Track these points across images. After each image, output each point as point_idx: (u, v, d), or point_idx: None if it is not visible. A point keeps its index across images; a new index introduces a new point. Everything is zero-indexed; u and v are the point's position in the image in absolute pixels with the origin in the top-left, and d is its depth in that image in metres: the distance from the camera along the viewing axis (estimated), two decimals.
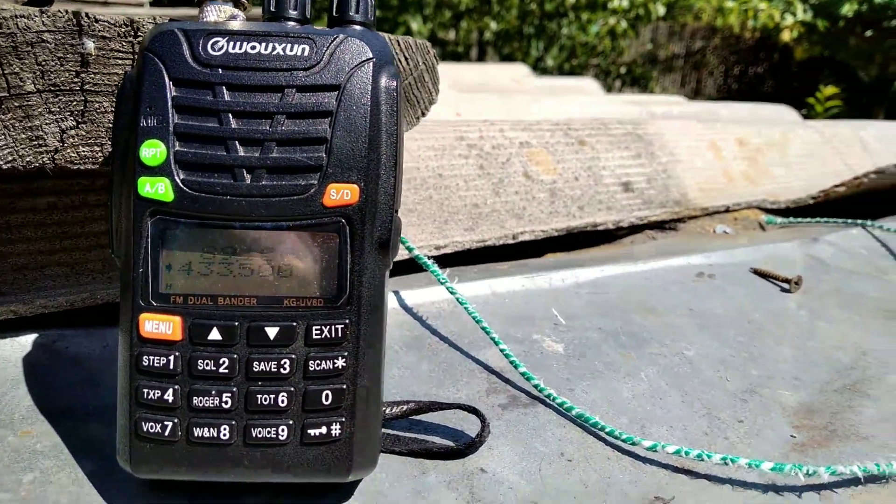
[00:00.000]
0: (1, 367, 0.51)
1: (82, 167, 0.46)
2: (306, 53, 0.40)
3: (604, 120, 1.16)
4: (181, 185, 0.38)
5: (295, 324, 0.39)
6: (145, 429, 0.39)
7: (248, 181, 0.39)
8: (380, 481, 0.44)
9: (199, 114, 0.39)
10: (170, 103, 0.39)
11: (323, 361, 0.39)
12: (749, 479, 0.48)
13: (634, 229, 1.03)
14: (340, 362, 0.40)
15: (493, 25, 6.67)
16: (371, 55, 0.40)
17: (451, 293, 0.63)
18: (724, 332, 0.69)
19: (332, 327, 0.40)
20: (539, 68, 6.70)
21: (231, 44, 0.39)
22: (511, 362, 0.57)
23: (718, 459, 0.48)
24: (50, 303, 0.53)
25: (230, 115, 0.39)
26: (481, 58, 7.58)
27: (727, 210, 1.17)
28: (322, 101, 0.39)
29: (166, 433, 0.39)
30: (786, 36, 8.25)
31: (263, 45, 0.39)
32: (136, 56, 0.46)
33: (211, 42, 0.39)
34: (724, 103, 2.39)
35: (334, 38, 0.40)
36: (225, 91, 0.39)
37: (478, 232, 0.83)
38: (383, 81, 0.41)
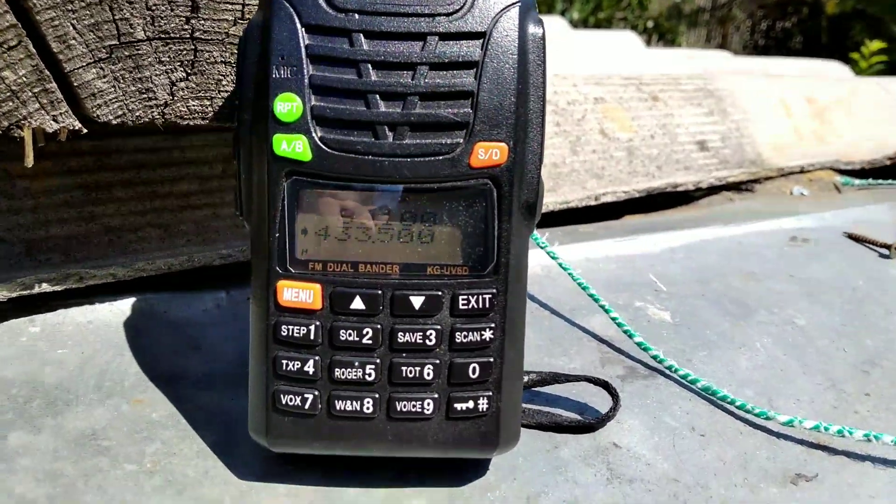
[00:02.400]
0: (104, 332, 0.49)
1: (192, 122, 0.43)
2: None
3: (673, 75, 1.11)
4: (319, 143, 0.35)
5: (440, 293, 0.37)
6: (284, 401, 0.36)
7: (391, 139, 0.36)
8: (512, 456, 0.42)
9: (336, 64, 0.35)
10: (304, 52, 0.35)
11: (469, 333, 0.37)
12: (892, 456, 0.46)
13: (712, 190, 0.99)
14: (488, 334, 0.37)
15: None
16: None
17: (553, 258, 0.60)
18: (829, 299, 0.66)
19: (479, 297, 0.37)
20: (565, 20, 6.55)
21: None
22: (625, 332, 0.54)
23: (861, 436, 0.45)
24: (149, 266, 0.51)
25: (369, 66, 0.35)
26: None
27: (802, 171, 1.12)
28: (468, 51, 0.36)
29: (306, 406, 0.36)
30: None
31: None
32: (244, 1, 0.43)
33: None
34: (771, 59, 2.31)
35: None
36: (363, 39, 0.36)
37: (560, 193, 0.80)
38: (530, 28, 0.37)
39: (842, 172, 1.15)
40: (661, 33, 7.70)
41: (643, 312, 0.60)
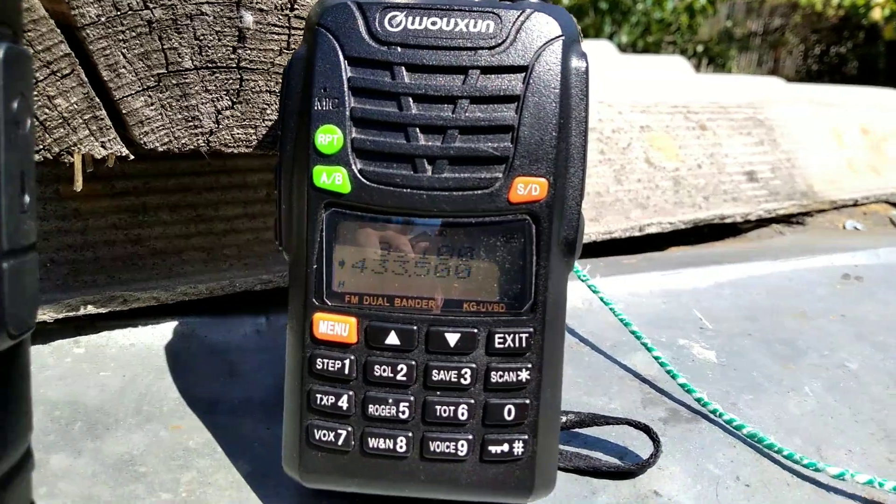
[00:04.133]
0: (145, 355, 0.49)
1: (236, 150, 0.43)
2: (491, 30, 0.36)
3: (722, 103, 1.09)
4: (358, 176, 0.35)
5: (476, 330, 0.36)
6: (317, 436, 0.36)
7: (430, 173, 0.35)
8: (548, 502, 0.41)
9: (378, 97, 0.35)
10: (346, 85, 0.35)
11: (506, 373, 0.36)
12: None
13: (761, 223, 0.96)
14: (524, 375, 0.36)
15: (566, 0, 6.51)
16: (560, 32, 0.36)
17: (594, 292, 0.59)
18: (884, 341, 0.63)
19: (516, 336, 0.36)
20: (613, 44, 6.52)
21: (410, 19, 0.36)
22: (668, 372, 0.52)
23: None
24: (191, 290, 0.51)
25: (410, 99, 0.35)
26: None
27: (855, 204, 1.09)
28: (509, 85, 0.35)
29: (339, 442, 0.36)
30: (876, 14, 7.80)
31: (445, 20, 0.36)
32: (290, 31, 0.43)
33: (388, 17, 0.36)
34: (825, 86, 2.25)
35: (521, 13, 0.36)
36: (405, 72, 0.35)
37: (603, 223, 0.79)
38: (573, 62, 0.36)
39: None
40: (711, 58, 7.60)
41: (687, 351, 0.59)
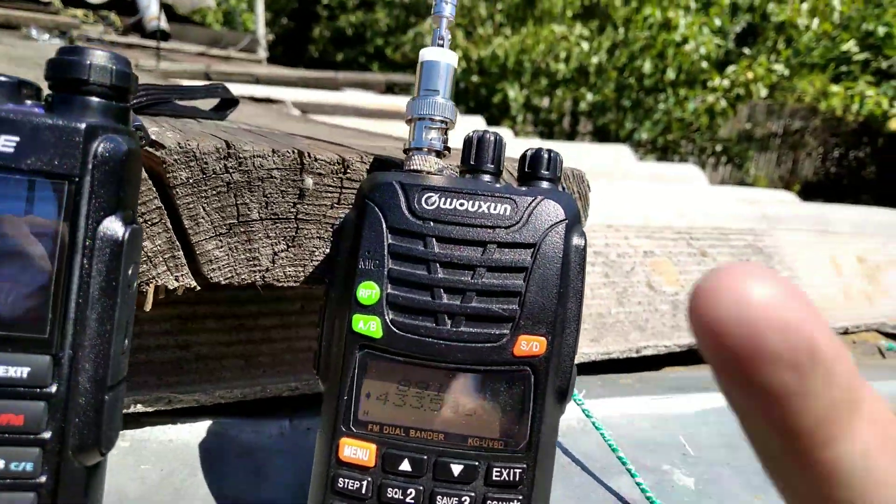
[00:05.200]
0: (182, 452, 0.56)
1: (286, 284, 0.51)
2: (508, 213, 0.44)
3: (724, 229, 1.17)
4: (390, 325, 0.43)
5: (477, 463, 0.42)
6: None
7: (449, 326, 0.43)
8: None
9: (412, 261, 0.43)
10: (386, 250, 0.43)
11: (501, 502, 0.42)
12: None
13: None
14: None
15: (589, 97, 6.75)
16: (564, 216, 0.44)
17: (587, 416, 0.65)
18: None
19: (512, 470, 0.42)
20: (633, 141, 6.70)
21: (443, 199, 0.44)
22: (648, 498, 0.58)
23: None
24: (227, 394, 0.58)
25: (438, 265, 0.43)
26: (574, 126, 7.65)
27: (846, 332, 1.14)
28: (520, 258, 0.43)
29: None
30: (893, 125, 7.98)
31: (471, 202, 0.44)
32: (342, 189, 0.51)
33: (425, 196, 0.44)
34: (836, 206, 2.34)
35: (533, 199, 0.44)
36: (435, 242, 0.43)
37: (602, 343, 0.85)
38: (574, 241, 0.44)
39: (888, 336, 1.16)
40: (730, 157, 7.77)
41: (668, 477, 0.64)
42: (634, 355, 0.87)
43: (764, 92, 6.46)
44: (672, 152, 7.25)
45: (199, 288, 0.49)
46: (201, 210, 0.47)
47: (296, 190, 0.50)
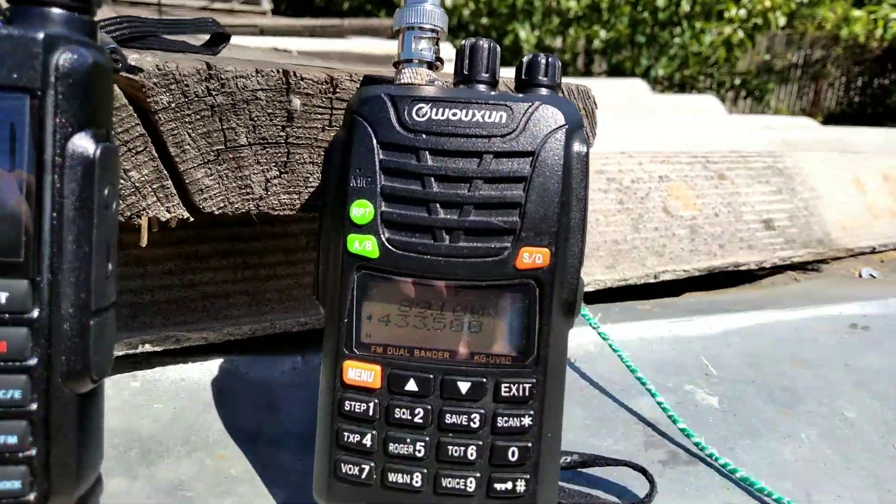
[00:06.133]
0: (194, 390, 0.55)
1: (282, 213, 0.50)
2: (504, 120, 0.41)
3: (742, 152, 1.13)
4: (386, 244, 0.41)
5: (485, 380, 0.41)
6: (344, 470, 0.41)
7: (447, 242, 0.41)
8: None
9: (405, 176, 0.41)
10: (378, 166, 0.41)
11: (510, 419, 0.41)
12: None
13: (776, 270, 1.00)
14: (527, 420, 0.41)
15: (603, 34, 6.57)
16: (564, 122, 0.42)
17: (604, 339, 0.63)
18: (884, 390, 0.66)
19: (520, 385, 0.41)
20: (649, 78, 6.54)
21: (434, 110, 0.42)
22: (669, 417, 0.56)
23: None
24: (236, 331, 0.57)
25: (432, 179, 0.41)
26: (588, 66, 7.49)
27: (873, 251, 1.11)
28: (518, 167, 0.41)
29: (363, 476, 0.41)
30: None
31: (464, 111, 0.41)
32: (332, 111, 0.49)
33: (416, 108, 0.42)
34: (858, 129, 2.26)
35: (530, 105, 0.42)
36: (428, 156, 0.41)
37: (618, 270, 0.83)
38: (575, 147, 0.42)
39: None
40: (750, 91, 7.58)
41: (691, 397, 0.63)
42: (652, 280, 0.85)
43: (782, 21, 6.25)
44: (690, 88, 7.08)
45: (192, 219, 0.48)
46: (186, 136, 0.45)
47: (283, 112, 0.48)
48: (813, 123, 2.21)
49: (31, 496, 0.32)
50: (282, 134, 0.48)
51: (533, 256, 0.41)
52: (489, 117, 0.41)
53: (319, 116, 0.49)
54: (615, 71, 7.00)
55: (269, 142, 0.48)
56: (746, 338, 0.74)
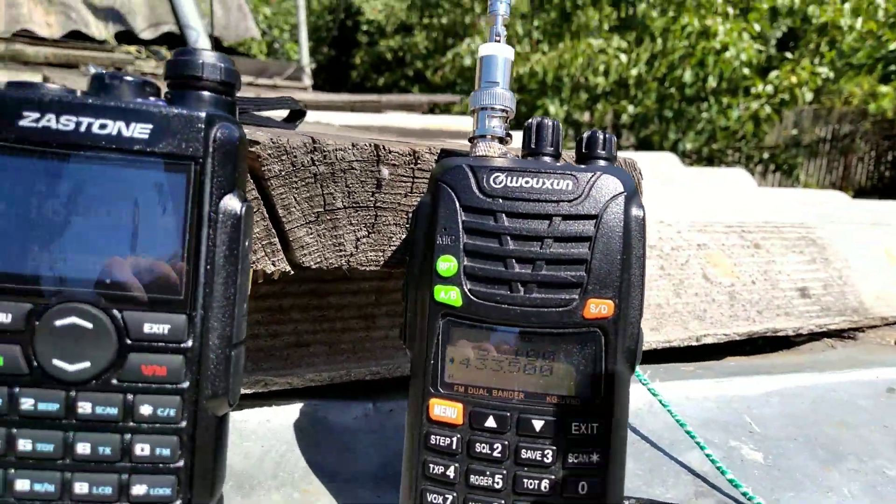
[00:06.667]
0: (280, 430, 0.61)
1: (368, 268, 0.56)
2: (570, 188, 0.47)
3: (775, 223, 1.18)
4: (468, 294, 0.47)
5: (556, 419, 0.46)
6: (429, 499, 0.46)
7: (522, 293, 0.46)
8: None
9: (484, 235, 0.47)
10: (461, 226, 0.47)
11: (580, 455, 0.45)
12: None
13: (813, 336, 1.03)
14: (595, 457, 0.45)
15: (631, 109, 6.73)
16: (623, 189, 0.47)
17: (653, 394, 0.67)
18: None
19: (589, 425, 0.46)
20: (678, 151, 6.64)
21: (509, 178, 0.48)
22: (717, 468, 0.60)
23: None
24: (316, 377, 0.63)
25: (509, 238, 0.47)
26: (617, 139, 7.61)
27: None
28: (583, 229, 0.47)
29: None
30: None
31: (535, 179, 0.48)
32: (414, 179, 0.56)
33: (493, 176, 0.48)
34: (888, 202, 2.30)
35: (592, 175, 0.48)
36: (505, 217, 0.47)
37: (663, 332, 0.88)
38: (633, 211, 0.47)
39: None
40: (779, 165, 7.63)
41: (737, 452, 0.66)
42: (695, 343, 0.89)
43: (809, 96, 6.35)
44: (718, 161, 7.16)
45: (292, 272, 0.54)
46: (293, 200, 0.52)
47: (373, 180, 0.54)
48: (843, 197, 2.25)
49: (178, 503, 0.37)
50: (371, 199, 0.55)
51: (599, 307, 0.46)
52: (557, 185, 0.47)
53: (403, 184, 0.55)
54: (643, 144, 7.12)
55: (361, 205, 0.54)
56: (787, 399, 0.77)
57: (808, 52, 6.41)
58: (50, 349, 0.35)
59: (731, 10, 5.96)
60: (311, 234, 0.53)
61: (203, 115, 0.38)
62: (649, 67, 6.41)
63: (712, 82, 6.06)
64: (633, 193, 0.48)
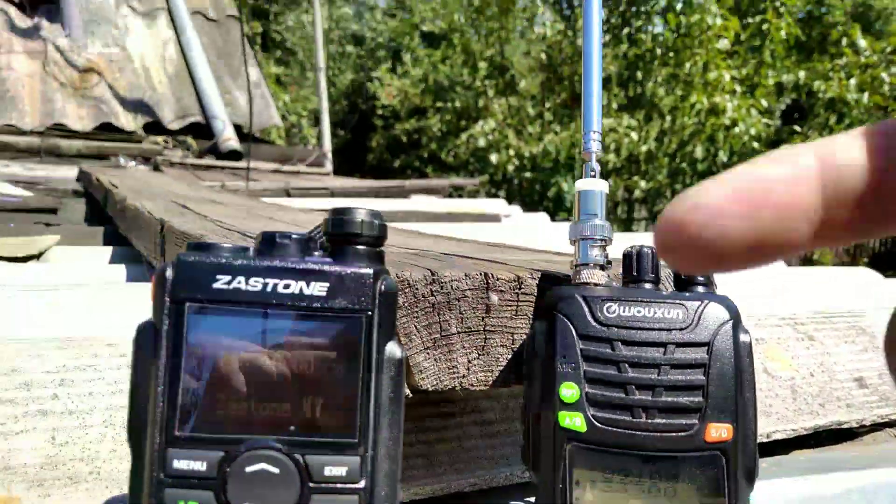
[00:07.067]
0: None
1: (478, 389, 0.59)
2: (680, 316, 0.51)
3: (825, 312, 1.21)
4: (592, 420, 0.49)
5: None
6: None
7: (644, 419, 0.49)
8: None
9: (603, 363, 0.50)
10: (580, 354, 0.51)
11: None
12: None
13: (875, 427, 1.04)
14: None
15: (643, 184, 6.85)
16: (729, 316, 0.51)
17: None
18: None
19: None
20: None
21: (622, 308, 0.51)
22: None
23: None
24: (420, 490, 0.65)
25: (627, 365, 0.50)
26: (629, 213, 7.73)
27: None
28: (697, 356, 0.50)
29: None
30: None
31: (647, 308, 0.51)
32: (518, 303, 0.60)
33: (606, 306, 0.52)
34: None
35: (700, 303, 0.51)
36: (621, 346, 0.51)
37: None
38: (741, 337, 0.51)
39: None
40: None
41: None
42: (765, 440, 0.91)
43: None
44: None
45: (412, 395, 0.57)
46: (413, 328, 0.55)
47: (484, 306, 0.58)
48: (874, 274, 2.28)
49: None
50: (481, 323, 0.58)
51: (719, 431, 0.49)
52: (668, 313, 0.51)
53: (509, 308, 0.59)
54: (656, 218, 7.20)
55: (472, 330, 0.58)
56: (868, 496, 0.78)
57: (816, 125, 6.55)
58: (241, 494, 0.38)
59: (738, 88, 6.14)
60: (429, 359, 0.57)
61: (371, 272, 0.42)
62: (659, 144, 6.55)
63: (723, 156, 6.18)
64: (738, 320, 0.51)
